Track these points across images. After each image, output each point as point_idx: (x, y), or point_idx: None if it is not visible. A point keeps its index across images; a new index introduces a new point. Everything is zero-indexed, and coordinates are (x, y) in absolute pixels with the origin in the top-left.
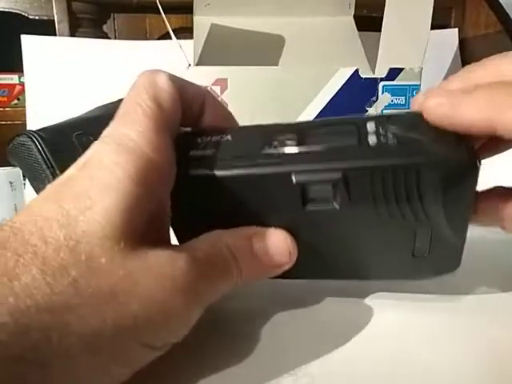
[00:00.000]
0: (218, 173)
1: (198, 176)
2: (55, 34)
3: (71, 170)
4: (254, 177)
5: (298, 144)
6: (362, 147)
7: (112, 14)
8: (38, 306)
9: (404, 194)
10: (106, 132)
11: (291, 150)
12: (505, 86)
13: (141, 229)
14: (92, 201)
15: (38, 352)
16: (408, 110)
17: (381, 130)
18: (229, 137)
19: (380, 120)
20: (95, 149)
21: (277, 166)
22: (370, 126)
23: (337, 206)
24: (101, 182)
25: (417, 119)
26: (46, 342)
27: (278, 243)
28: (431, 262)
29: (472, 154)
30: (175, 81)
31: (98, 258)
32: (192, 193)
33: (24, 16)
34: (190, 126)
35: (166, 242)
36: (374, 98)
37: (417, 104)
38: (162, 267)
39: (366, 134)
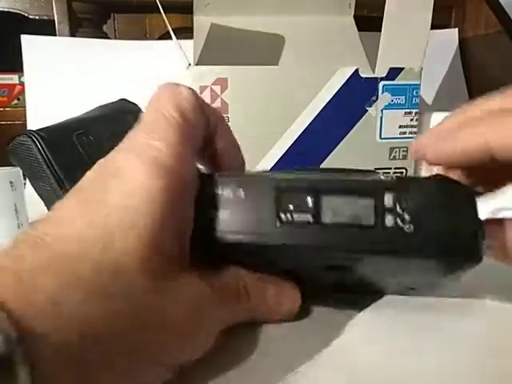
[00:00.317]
0: (231, 239)
1: (213, 238)
2: (55, 34)
3: (101, 182)
4: (266, 248)
5: (313, 216)
6: (378, 229)
7: (112, 14)
8: (80, 325)
9: (415, 271)
10: (131, 141)
11: (304, 221)
12: (502, 112)
13: (169, 248)
14: (128, 222)
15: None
16: (427, 177)
17: (398, 208)
18: (242, 193)
19: (399, 193)
20: (124, 160)
21: (294, 243)
22: (388, 201)
23: (352, 271)
24: (136, 200)
25: (435, 195)
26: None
27: (288, 299)
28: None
29: (481, 249)
30: (196, 94)
31: (135, 289)
32: (208, 245)
33: (24, 16)
34: (205, 142)
35: (187, 259)
36: (373, 98)
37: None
38: (190, 301)
39: (384, 211)
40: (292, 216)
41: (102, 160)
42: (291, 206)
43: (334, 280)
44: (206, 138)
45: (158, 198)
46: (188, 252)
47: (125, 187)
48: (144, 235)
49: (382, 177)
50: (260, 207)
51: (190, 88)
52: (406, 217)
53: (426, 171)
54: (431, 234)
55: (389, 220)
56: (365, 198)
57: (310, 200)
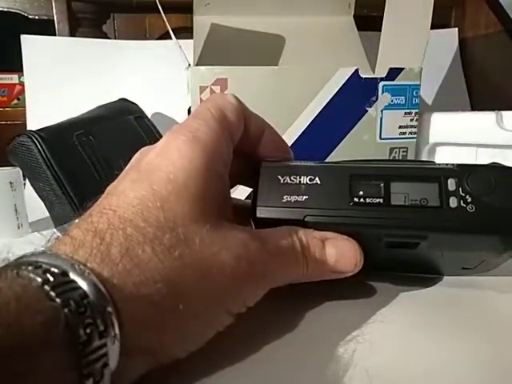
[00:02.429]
0: (315, 219)
1: (296, 220)
2: (55, 34)
3: (149, 156)
4: (344, 227)
5: (384, 200)
6: (444, 209)
7: (112, 14)
8: (154, 278)
9: (474, 247)
10: (179, 126)
11: (377, 203)
12: None
13: (217, 210)
14: (178, 185)
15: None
16: (486, 165)
17: (461, 191)
18: (317, 180)
19: (460, 178)
20: (171, 138)
21: (365, 222)
22: (451, 185)
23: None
24: (182, 168)
25: (493, 179)
26: (160, 305)
27: (348, 253)
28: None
29: None
30: (241, 103)
31: (193, 239)
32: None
33: (24, 16)
34: (247, 149)
35: (232, 221)
36: (373, 98)
37: None
38: (238, 249)
39: (448, 194)
40: (365, 199)
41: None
42: (363, 192)
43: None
44: (250, 143)
45: (197, 164)
46: (230, 207)
47: (173, 157)
48: (192, 192)
49: (443, 165)
50: (335, 192)
51: (234, 95)
52: (468, 198)
53: None
54: (491, 212)
55: (453, 201)
56: (430, 183)
57: (381, 186)
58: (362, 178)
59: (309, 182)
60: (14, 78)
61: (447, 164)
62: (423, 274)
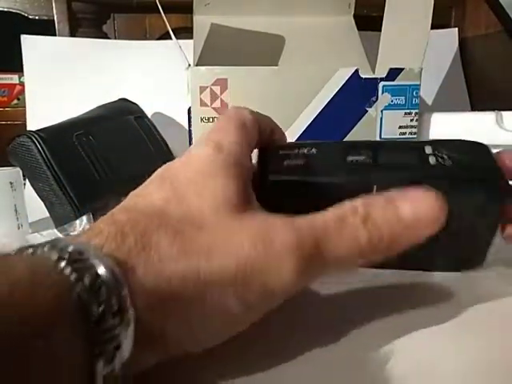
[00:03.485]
0: (312, 179)
1: (296, 181)
2: (55, 34)
3: (173, 165)
4: (342, 182)
5: (373, 159)
6: (425, 166)
7: (112, 14)
8: (171, 266)
9: (457, 205)
10: (202, 137)
11: (368, 163)
12: None
13: (242, 206)
14: (199, 186)
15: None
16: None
17: (437, 153)
18: (314, 150)
19: (435, 145)
20: (195, 148)
21: (360, 175)
22: (428, 150)
23: None
24: (203, 171)
25: (461, 144)
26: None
27: (426, 199)
28: (461, 258)
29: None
30: (254, 112)
31: (215, 228)
32: (284, 195)
33: (24, 16)
34: (264, 144)
35: (252, 199)
36: (373, 98)
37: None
38: (266, 233)
39: (426, 156)
40: (356, 161)
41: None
42: (355, 154)
43: None
44: (265, 139)
45: (219, 165)
46: (251, 194)
47: (195, 164)
48: (212, 191)
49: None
50: (331, 156)
51: (248, 109)
52: (444, 156)
53: None
54: (466, 165)
55: (432, 159)
56: (412, 149)
57: (370, 151)
58: (355, 146)
59: (306, 152)
60: (14, 78)
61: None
62: (418, 269)
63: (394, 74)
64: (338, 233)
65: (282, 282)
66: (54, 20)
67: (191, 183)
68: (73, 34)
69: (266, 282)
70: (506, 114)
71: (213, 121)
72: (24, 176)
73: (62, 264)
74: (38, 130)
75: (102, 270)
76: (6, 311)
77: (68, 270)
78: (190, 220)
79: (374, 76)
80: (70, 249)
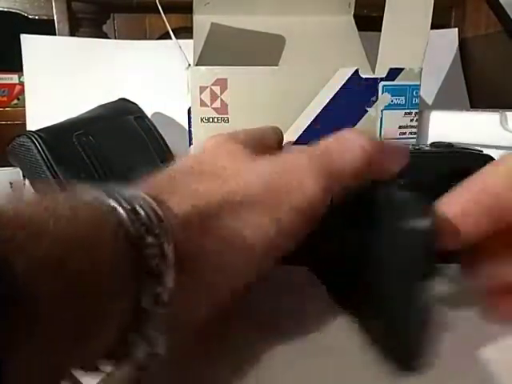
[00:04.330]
0: None
1: None
2: (55, 34)
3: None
4: None
5: None
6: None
7: (112, 14)
8: (205, 183)
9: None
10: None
11: None
12: None
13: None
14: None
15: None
16: None
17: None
18: None
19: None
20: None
21: None
22: None
23: None
24: (217, 142)
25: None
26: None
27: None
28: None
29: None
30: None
31: (241, 169)
32: None
33: (24, 16)
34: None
35: None
36: (373, 98)
37: None
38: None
39: None
40: None
41: None
42: None
43: None
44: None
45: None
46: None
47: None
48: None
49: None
50: None
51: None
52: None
53: None
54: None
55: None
56: None
57: None
58: None
59: None
60: (14, 78)
61: None
62: None
63: (393, 73)
64: (339, 148)
65: (306, 197)
66: (53, 20)
67: (213, 152)
68: (73, 33)
69: (292, 201)
70: (510, 114)
71: (213, 121)
72: (24, 176)
73: (106, 196)
74: (37, 130)
75: (142, 209)
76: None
77: (109, 200)
78: (217, 172)
79: (374, 76)
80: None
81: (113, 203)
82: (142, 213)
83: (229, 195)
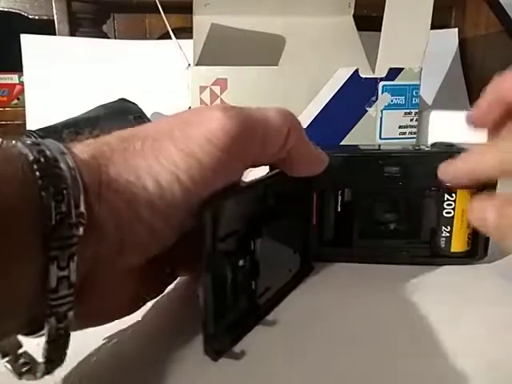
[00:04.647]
0: None
1: None
2: (55, 34)
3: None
4: None
5: None
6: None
7: (112, 14)
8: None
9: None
10: None
11: None
12: None
13: None
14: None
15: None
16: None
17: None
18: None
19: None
20: None
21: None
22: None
23: None
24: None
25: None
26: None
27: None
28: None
29: None
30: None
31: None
32: None
33: (24, 16)
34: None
35: None
36: (373, 98)
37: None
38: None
39: None
40: None
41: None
42: None
43: None
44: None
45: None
46: None
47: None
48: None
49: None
50: None
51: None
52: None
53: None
54: None
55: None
56: None
57: None
58: None
59: None
60: (14, 78)
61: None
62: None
63: (393, 73)
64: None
65: (219, 127)
66: (53, 20)
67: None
68: (73, 33)
69: (204, 131)
70: None
71: None
72: None
73: (35, 167)
74: (37, 130)
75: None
76: None
77: (38, 175)
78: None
79: (373, 76)
80: (48, 153)
81: (24, 148)
82: (48, 152)
83: (140, 131)
